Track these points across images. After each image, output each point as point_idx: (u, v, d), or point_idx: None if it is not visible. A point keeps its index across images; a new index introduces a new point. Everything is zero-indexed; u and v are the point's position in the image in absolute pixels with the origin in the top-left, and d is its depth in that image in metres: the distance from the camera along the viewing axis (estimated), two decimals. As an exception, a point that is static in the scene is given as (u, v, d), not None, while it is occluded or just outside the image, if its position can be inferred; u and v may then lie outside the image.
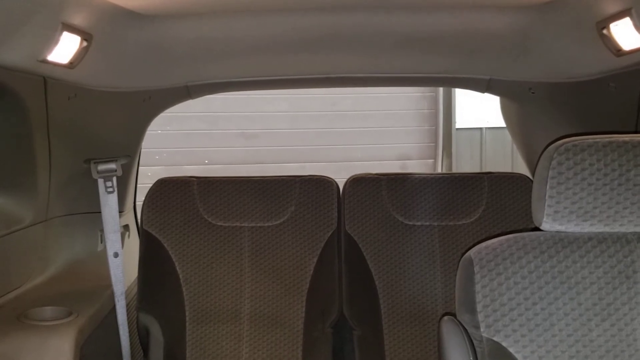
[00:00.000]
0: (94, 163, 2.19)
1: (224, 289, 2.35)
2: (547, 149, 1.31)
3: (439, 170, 6.97)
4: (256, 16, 2.00)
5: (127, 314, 2.27)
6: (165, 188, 2.41)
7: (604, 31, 1.70)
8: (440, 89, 7.56)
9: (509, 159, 6.88)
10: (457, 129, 7.49)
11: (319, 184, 2.44)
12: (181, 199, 2.40)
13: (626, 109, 1.86)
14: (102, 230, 2.30)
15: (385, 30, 2.06)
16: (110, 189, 2.21)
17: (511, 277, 1.30)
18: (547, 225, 1.32)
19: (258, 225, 2.40)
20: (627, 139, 1.28)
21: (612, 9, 1.62)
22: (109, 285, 2.25)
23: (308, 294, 2.34)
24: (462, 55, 2.23)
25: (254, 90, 2.68)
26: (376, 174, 2.50)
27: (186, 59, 2.21)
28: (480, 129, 7.31)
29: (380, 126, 7.12)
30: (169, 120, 5.75)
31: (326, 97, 6.84)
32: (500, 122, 3.15)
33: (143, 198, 2.45)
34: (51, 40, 1.62)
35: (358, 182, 2.46)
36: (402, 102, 7.46)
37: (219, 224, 2.40)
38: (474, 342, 1.34)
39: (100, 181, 2.21)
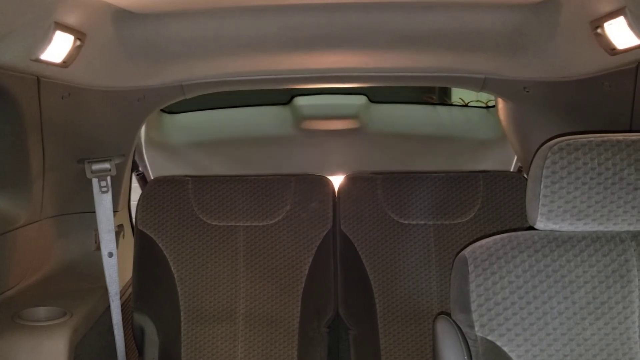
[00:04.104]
0: (88, 162, 2.19)
1: (219, 288, 2.35)
2: (541, 148, 1.32)
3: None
4: (250, 14, 2.00)
5: (122, 314, 2.26)
6: (160, 187, 2.41)
7: (598, 30, 1.70)
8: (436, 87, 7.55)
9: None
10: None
11: (315, 183, 2.44)
12: (176, 199, 2.39)
13: (620, 108, 1.87)
14: (96, 230, 2.29)
15: (379, 29, 2.06)
16: (105, 189, 2.21)
17: (505, 276, 1.31)
18: (541, 224, 1.32)
19: (253, 224, 2.40)
20: (620, 138, 1.29)
21: (606, 8, 1.62)
22: (103, 285, 2.25)
23: (303, 294, 2.34)
24: (457, 54, 2.23)
25: (249, 89, 2.68)
26: (371, 173, 2.50)
27: (180, 58, 2.21)
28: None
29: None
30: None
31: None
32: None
33: (137, 197, 2.45)
34: (44, 39, 1.61)
35: (353, 180, 2.46)
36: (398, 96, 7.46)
37: (213, 223, 2.39)
38: (469, 341, 1.34)
39: (95, 181, 2.20)
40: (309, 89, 3.10)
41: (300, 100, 3.23)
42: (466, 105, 3.81)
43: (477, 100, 3.87)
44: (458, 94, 7.25)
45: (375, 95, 3.29)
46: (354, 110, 3.19)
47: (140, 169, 3.02)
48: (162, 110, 3.21)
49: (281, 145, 3.15)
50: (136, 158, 2.89)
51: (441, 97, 7.58)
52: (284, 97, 3.30)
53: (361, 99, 3.25)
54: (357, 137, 3.13)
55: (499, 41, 2.10)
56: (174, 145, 3.11)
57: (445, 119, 3.30)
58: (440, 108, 3.78)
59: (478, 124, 3.23)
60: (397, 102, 3.44)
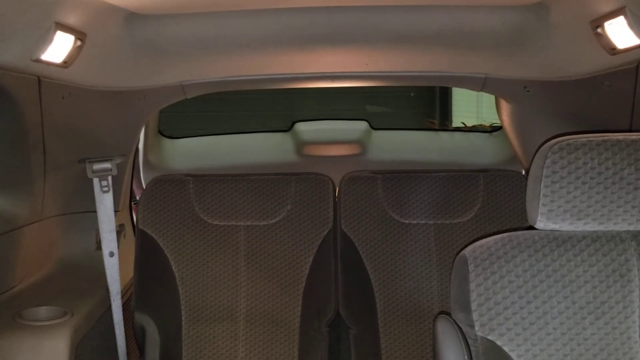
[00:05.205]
0: (89, 162, 2.19)
1: (220, 288, 2.35)
2: (541, 148, 1.32)
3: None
4: (250, 14, 2.00)
5: (123, 314, 2.27)
6: (160, 187, 2.41)
7: (599, 30, 1.70)
8: (437, 89, 7.58)
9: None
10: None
11: (315, 182, 2.44)
12: (177, 198, 2.40)
13: (620, 107, 1.87)
14: (97, 230, 2.30)
15: (380, 28, 2.06)
16: (106, 188, 2.21)
17: (505, 275, 1.31)
18: (541, 224, 1.32)
19: (254, 224, 2.40)
20: (620, 137, 1.29)
21: (606, 7, 1.63)
22: (104, 285, 2.25)
23: (304, 293, 2.34)
24: (458, 53, 2.23)
25: (249, 89, 2.68)
26: (372, 172, 2.50)
27: (181, 58, 2.21)
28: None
29: (374, 126, 7.15)
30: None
31: (321, 96, 6.86)
32: (497, 120, 3.15)
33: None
34: (45, 40, 1.61)
35: (354, 180, 2.46)
36: (399, 101, 7.49)
37: (214, 222, 2.39)
38: (469, 340, 1.35)
39: (96, 180, 2.20)
40: (310, 116, 3.08)
41: (301, 126, 3.23)
42: (469, 130, 3.80)
43: (481, 125, 3.86)
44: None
45: (376, 123, 3.29)
46: (355, 135, 3.18)
47: (138, 197, 2.95)
48: (163, 135, 3.20)
49: (282, 171, 3.14)
50: (134, 186, 2.85)
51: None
52: (286, 124, 3.29)
53: (362, 125, 3.24)
54: (359, 164, 3.11)
55: (500, 41, 2.10)
56: (173, 171, 3.07)
57: (447, 145, 3.29)
58: (442, 134, 3.76)
59: (481, 148, 3.22)
60: (398, 128, 3.43)
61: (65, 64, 1.78)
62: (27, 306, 2.00)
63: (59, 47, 1.70)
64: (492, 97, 2.93)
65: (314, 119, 3.39)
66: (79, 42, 1.76)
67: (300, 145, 3.15)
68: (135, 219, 2.60)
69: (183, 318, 2.32)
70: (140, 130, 2.65)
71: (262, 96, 7.14)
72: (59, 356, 1.84)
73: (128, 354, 2.31)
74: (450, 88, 7.46)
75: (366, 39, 2.14)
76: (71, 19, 1.66)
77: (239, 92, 6.14)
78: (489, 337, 1.30)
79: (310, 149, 3.14)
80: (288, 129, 3.26)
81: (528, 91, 2.34)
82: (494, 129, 3.31)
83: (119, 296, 2.24)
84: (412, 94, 7.63)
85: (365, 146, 3.15)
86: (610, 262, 1.32)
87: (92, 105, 2.14)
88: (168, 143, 3.21)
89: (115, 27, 1.92)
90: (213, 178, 2.44)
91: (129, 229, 2.75)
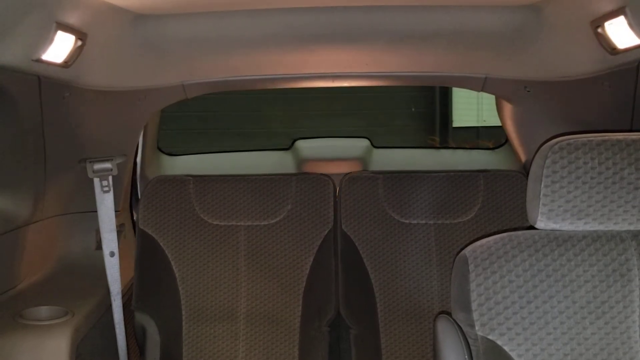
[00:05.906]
0: (90, 162, 2.20)
1: (221, 288, 2.35)
2: (542, 148, 1.32)
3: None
4: (251, 15, 2.00)
5: (124, 314, 2.27)
6: (161, 187, 2.41)
7: (599, 30, 1.70)
8: (437, 88, 7.60)
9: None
10: (454, 127, 7.53)
11: (316, 182, 2.44)
12: (177, 198, 2.40)
13: (621, 107, 1.87)
14: (98, 230, 2.30)
15: (381, 29, 2.07)
16: (106, 188, 2.21)
17: (506, 275, 1.31)
18: (541, 223, 1.32)
19: (254, 224, 2.40)
20: (620, 137, 1.29)
21: (607, 7, 1.63)
22: (105, 285, 2.25)
23: (304, 293, 2.35)
24: (458, 54, 2.24)
25: (250, 89, 2.68)
26: (372, 172, 2.50)
27: (182, 58, 2.21)
28: (477, 128, 7.34)
29: (375, 126, 7.17)
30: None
31: (321, 96, 6.87)
32: (497, 121, 3.16)
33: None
34: (45, 40, 1.62)
35: (354, 180, 2.46)
36: (398, 101, 7.49)
37: (215, 222, 2.40)
38: (469, 340, 1.35)
39: (96, 180, 2.21)
40: (311, 133, 3.05)
41: (301, 143, 3.23)
42: (471, 148, 3.79)
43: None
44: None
45: (378, 141, 3.28)
46: (356, 152, 3.18)
47: (135, 218, 2.92)
48: (162, 152, 3.19)
49: None
50: (134, 205, 2.83)
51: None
52: (286, 142, 3.28)
53: (364, 142, 3.24)
54: None
55: (500, 41, 2.11)
56: None
57: (449, 162, 3.27)
58: (444, 151, 3.73)
59: (484, 165, 3.20)
60: (399, 146, 3.41)
61: (66, 64, 1.79)
62: (28, 306, 2.01)
63: (59, 47, 1.71)
64: (492, 97, 2.94)
65: (315, 136, 3.39)
66: (79, 42, 1.76)
67: (301, 162, 3.15)
68: (135, 219, 2.60)
69: (183, 318, 2.32)
70: (141, 130, 2.65)
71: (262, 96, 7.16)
72: (59, 356, 1.84)
73: (128, 353, 2.31)
74: (450, 88, 7.48)
75: (366, 39, 2.14)
76: (72, 19, 1.67)
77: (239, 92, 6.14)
78: (490, 337, 1.30)
79: (311, 166, 3.14)
80: (288, 147, 3.27)
81: (528, 91, 2.35)
82: (496, 146, 3.30)
83: (120, 296, 2.24)
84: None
85: (366, 163, 3.15)
86: (611, 262, 1.32)
87: (92, 105, 2.14)
88: (167, 160, 3.20)
89: (116, 27, 1.93)
90: (213, 178, 2.45)
91: (129, 229, 2.75)
